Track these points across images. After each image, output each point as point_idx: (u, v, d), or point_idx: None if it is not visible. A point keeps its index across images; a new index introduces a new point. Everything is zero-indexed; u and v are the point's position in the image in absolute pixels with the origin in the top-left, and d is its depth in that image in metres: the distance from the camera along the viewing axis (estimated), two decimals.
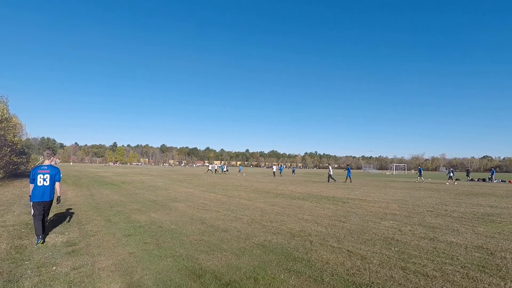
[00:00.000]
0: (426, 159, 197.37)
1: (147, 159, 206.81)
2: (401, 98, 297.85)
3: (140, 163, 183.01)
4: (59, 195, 5.74)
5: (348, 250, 5.11)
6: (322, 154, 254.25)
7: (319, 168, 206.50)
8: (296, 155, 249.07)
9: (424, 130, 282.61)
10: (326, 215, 8.66)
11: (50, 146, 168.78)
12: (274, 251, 5.03)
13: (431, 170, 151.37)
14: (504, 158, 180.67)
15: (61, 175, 5.84)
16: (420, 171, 31.00)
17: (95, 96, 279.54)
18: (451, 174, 26.60)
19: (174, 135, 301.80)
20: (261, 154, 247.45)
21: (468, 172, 36.94)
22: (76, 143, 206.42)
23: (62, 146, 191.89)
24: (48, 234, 5.82)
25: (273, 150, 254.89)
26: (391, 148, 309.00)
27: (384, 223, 7.50)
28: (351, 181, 26.50)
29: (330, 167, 27.43)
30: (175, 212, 8.72)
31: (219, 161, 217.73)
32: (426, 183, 27.04)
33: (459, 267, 4.33)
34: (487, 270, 4.21)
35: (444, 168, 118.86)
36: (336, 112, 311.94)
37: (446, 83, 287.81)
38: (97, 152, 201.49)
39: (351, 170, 29.12)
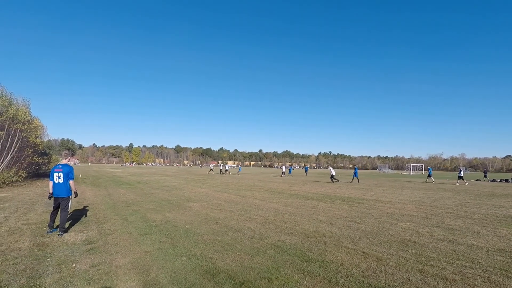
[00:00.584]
0: (445, 159, 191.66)
1: (162, 160, 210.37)
2: (418, 97, 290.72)
3: (155, 164, 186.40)
4: (74, 191, 6.21)
5: (363, 252, 5.03)
6: (336, 154, 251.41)
7: (333, 168, 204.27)
8: (310, 155, 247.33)
9: (442, 130, 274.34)
10: (341, 216, 8.55)
11: (69, 147, 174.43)
12: (288, 251, 5.01)
13: (449, 170, 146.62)
14: None
15: (74, 174, 6.20)
16: (429, 171, 30.30)
17: (112, 98, 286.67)
18: (461, 174, 26.13)
19: (188, 135, 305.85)
20: (275, 154, 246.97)
21: (485, 172, 35.58)
22: (94, 144, 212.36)
23: (81, 147, 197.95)
24: (67, 231, 6.02)
25: (286, 150, 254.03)
26: (407, 148, 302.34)
27: (400, 225, 7.34)
28: (358, 181, 26.11)
29: (331, 168, 27.63)
30: (190, 211, 8.83)
31: (232, 161, 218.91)
32: (445, 184, 26.25)
33: (480, 271, 4.18)
34: (510, 274, 4.05)
35: (465, 168, 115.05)
36: (350, 111, 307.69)
37: (465, 82, 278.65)
38: (114, 152, 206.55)
39: (358, 170, 28.92)
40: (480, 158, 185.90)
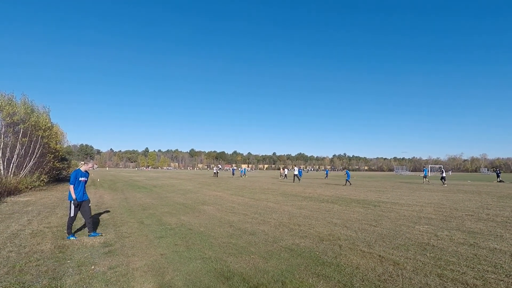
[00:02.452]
0: (465, 160, 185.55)
1: (177, 163, 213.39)
2: (438, 97, 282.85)
3: (170, 168, 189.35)
4: (74, 197, 5.98)
5: (380, 255, 4.93)
6: (351, 156, 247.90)
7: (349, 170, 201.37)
8: (324, 158, 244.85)
9: (462, 130, 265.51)
10: (356, 218, 8.42)
11: (88, 153, 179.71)
12: (302, 254, 4.98)
13: (470, 171, 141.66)
14: None
15: (73, 178, 6.03)
16: (425, 172, 30.00)
17: (128, 104, 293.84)
18: (443, 175, 26.91)
19: (202, 139, 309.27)
20: (288, 157, 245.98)
21: (498, 173, 34.12)
22: (111, 149, 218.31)
23: (99, 152, 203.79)
24: (73, 235, 6.21)
25: (300, 153, 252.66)
26: (425, 149, 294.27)
27: (418, 228, 7.15)
28: (350, 184, 25.04)
29: (285, 169, 28.44)
30: (204, 215, 8.92)
31: (246, 164, 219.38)
32: (466, 185, 25.38)
33: (503, 276, 4.02)
34: None
35: (486, 169, 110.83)
36: (365, 114, 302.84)
37: (483, 83, 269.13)
38: (130, 157, 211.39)
39: (350, 173, 27.55)
40: (503, 158, 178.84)
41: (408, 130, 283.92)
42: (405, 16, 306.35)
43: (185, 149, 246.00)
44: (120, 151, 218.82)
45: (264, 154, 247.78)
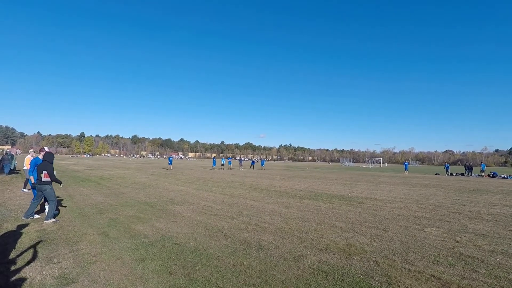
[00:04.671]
0: (395, 153, 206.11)
1: (117, 150, 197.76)
2: (373, 98, 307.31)
3: (108, 154, 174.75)
4: None
5: (433, 275, 4.07)
6: (296, 146, 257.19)
7: (294, 160, 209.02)
8: (271, 148, 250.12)
9: (394, 126, 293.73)
10: (356, 220, 7.65)
11: (9, 135, 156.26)
12: (344, 279, 3.87)
13: (400, 163, 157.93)
14: (464, 152, 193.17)
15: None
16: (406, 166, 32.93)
17: (59, 81, 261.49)
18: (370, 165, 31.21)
19: (146, 125, 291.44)
20: (237, 146, 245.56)
21: (447, 167, 37.75)
22: (38, 132, 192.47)
23: (23, 135, 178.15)
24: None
25: (248, 143, 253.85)
26: (363, 141, 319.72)
27: (429, 231, 6.60)
28: (253, 168, 37.36)
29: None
30: (182, 219, 7.30)
31: (193, 153, 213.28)
32: (416, 178, 27.25)
33: None
34: None
35: (414, 162, 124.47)
36: (309, 105, 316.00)
37: (412, 85, 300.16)
38: (62, 142, 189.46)
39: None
40: (425, 152, 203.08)
41: (348, 124, 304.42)
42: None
43: (127, 135, 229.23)
44: (50, 135, 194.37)
45: (212, 143, 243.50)
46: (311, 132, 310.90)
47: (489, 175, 32.07)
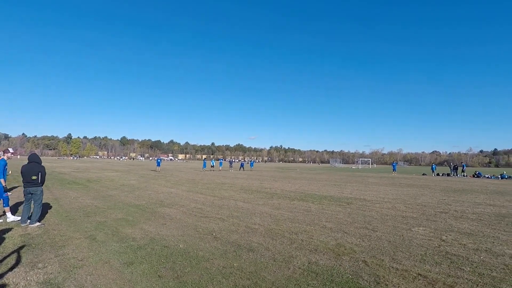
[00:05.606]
0: (384, 154, 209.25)
1: (106, 152, 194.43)
2: (359, 96, 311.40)
3: (97, 156, 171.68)
4: None
5: (419, 274, 4.15)
6: (287, 148, 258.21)
7: (284, 161, 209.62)
8: (262, 149, 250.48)
9: (383, 126, 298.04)
10: (345, 220, 7.74)
11: None
12: (334, 280, 3.91)
13: (388, 164, 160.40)
14: (450, 153, 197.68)
15: None
16: (394, 166, 33.00)
17: (46, 85, 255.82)
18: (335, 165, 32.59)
19: (135, 127, 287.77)
20: (227, 147, 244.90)
21: (433, 168, 38.51)
22: (23, 134, 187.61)
23: (7, 137, 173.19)
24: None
25: (239, 144, 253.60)
26: (351, 142, 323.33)
27: (416, 230, 6.73)
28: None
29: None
30: (171, 221, 7.23)
31: (183, 155, 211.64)
32: (403, 179, 27.71)
33: None
34: None
35: (402, 162, 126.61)
36: (299, 107, 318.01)
37: (401, 87, 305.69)
38: (48, 144, 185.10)
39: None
40: (412, 153, 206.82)
41: (337, 125, 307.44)
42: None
43: (116, 136, 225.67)
44: (35, 136, 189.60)
45: (202, 144, 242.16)
46: (302, 133, 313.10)
47: (473, 175, 32.89)
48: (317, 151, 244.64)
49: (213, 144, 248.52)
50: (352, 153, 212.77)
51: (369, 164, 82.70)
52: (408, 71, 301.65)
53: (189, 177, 24.06)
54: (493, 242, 5.87)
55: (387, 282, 3.88)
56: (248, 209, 9.22)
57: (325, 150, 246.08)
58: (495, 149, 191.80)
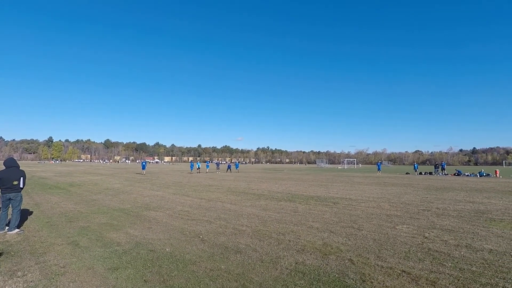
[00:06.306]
0: (369, 154, 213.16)
1: (89, 156, 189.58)
2: (346, 97, 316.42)
3: (81, 160, 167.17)
4: None
5: (403, 271, 4.25)
6: (274, 149, 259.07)
7: (271, 163, 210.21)
8: (249, 151, 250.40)
9: (367, 127, 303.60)
10: (332, 220, 7.84)
11: None
12: (320, 279, 3.95)
13: (373, 164, 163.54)
14: (432, 152, 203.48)
15: None
16: (378, 166, 33.47)
17: (24, 87, 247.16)
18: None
19: (119, 129, 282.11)
20: (214, 149, 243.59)
21: (416, 167, 39.50)
22: (1, 137, 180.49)
23: None
24: None
25: (226, 146, 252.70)
26: (337, 143, 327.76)
27: (400, 228, 6.90)
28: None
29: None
30: (158, 225, 7.12)
31: (169, 157, 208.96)
32: (388, 178, 28.30)
33: None
34: None
35: (387, 162, 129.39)
36: (286, 107, 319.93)
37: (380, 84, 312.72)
38: (28, 148, 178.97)
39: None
40: (396, 152, 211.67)
41: (323, 126, 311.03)
42: None
43: (99, 139, 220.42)
44: (13, 140, 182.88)
45: (188, 146, 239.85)
46: (288, 134, 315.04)
47: (454, 174, 33.97)
48: (303, 152, 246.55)
49: (199, 146, 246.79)
50: (338, 153, 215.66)
51: (354, 164, 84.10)
52: (394, 72, 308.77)
53: (176, 179, 23.78)
54: (473, 238, 6.08)
55: (373, 280, 3.95)
56: (235, 210, 9.19)
57: (312, 151, 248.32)
58: (474, 148, 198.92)
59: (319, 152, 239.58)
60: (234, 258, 4.76)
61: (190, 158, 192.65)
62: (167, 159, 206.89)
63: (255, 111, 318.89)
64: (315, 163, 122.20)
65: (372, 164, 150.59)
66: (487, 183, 21.24)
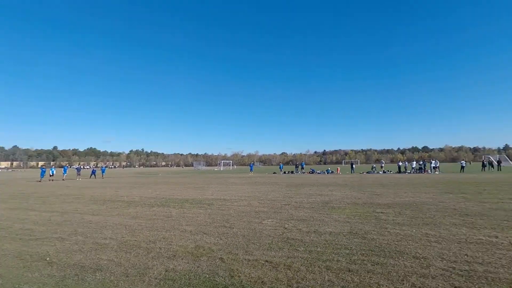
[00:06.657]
0: (243, 156, 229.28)
1: None
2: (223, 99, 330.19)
3: None
4: None
5: (266, 261, 4.72)
6: (149, 152, 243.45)
7: (146, 166, 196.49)
8: (120, 153, 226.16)
9: (242, 129, 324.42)
10: (205, 221, 7.94)
11: None
12: (191, 283, 3.91)
13: (247, 165, 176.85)
14: (294, 154, 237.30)
15: None
16: (302, 165, 36.36)
17: None
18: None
19: None
20: (75, 152, 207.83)
21: (297, 166, 44.95)
22: None
23: None
24: None
25: (91, 148, 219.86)
26: (214, 146, 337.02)
27: (266, 222, 7.65)
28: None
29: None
30: None
31: (7, 162, 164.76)
32: (259, 177, 31.01)
33: (359, 255, 4.85)
34: (374, 251, 4.93)
35: (258, 163, 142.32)
36: (161, 107, 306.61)
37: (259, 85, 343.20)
38: None
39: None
40: (266, 154, 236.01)
41: (201, 128, 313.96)
42: None
43: None
44: None
45: (39, 148, 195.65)
46: (165, 136, 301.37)
47: (309, 172, 40.65)
48: (181, 155, 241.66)
49: (55, 148, 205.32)
50: (216, 155, 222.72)
51: (230, 165, 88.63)
52: (261, 78, 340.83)
53: (17, 190, 18.89)
54: (319, 224, 7.37)
55: (240, 274, 4.20)
56: (97, 222, 8.04)
57: (190, 153, 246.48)
58: (324, 150, 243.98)
59: (197, 155, 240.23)
60: (92, 278, 4.13)
61: (41, 163, 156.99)
62: (4, 164, 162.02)
63: (128, 110, 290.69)
64: (193, 166, 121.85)
65: (246, 165, 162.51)
66: (331, 179, 26.36)
